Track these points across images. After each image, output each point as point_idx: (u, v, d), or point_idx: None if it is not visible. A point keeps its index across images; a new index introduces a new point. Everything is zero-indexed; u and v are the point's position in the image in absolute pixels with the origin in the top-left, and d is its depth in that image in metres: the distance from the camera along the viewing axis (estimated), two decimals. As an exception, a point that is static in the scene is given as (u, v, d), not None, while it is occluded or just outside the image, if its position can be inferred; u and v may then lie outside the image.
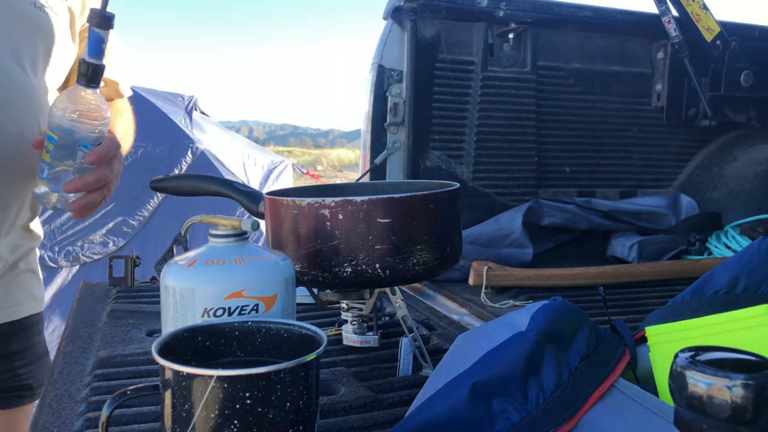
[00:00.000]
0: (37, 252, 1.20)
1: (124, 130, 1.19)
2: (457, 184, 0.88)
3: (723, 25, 1.73)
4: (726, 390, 0.34)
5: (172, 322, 0.69)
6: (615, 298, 1.33)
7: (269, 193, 0.89)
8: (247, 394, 0.49)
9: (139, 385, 0.54)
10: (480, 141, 1.65)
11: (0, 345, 1.10)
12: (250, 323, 0.61)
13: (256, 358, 0.60)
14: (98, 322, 1.09)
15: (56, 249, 3.75)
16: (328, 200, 0.80)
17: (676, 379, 0.35)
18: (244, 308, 0.68)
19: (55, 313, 3.54)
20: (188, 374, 0.50)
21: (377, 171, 1.56)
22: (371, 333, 0.95)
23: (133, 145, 1.25)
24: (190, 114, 4.42)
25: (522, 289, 1.35)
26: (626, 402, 0.59)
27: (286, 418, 0.51)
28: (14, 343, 1.13)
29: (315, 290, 0.93)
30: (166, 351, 0.54)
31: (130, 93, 1.27)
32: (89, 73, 0.92)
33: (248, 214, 0.95)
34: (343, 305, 0.95)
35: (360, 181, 1.53)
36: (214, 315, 0.67)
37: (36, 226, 1.16)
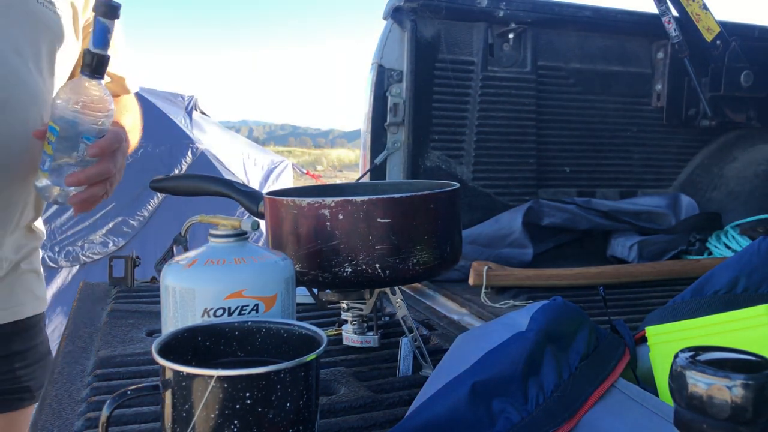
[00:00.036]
0: (40, 252, 1.20)
1: (131, 125, 1.17)
2: (457, 184, 0.88)
3: (723, 25, 1.73)
4: (726, 390, 0.34)
5: (172, 322, 0.69)
6: (615, 298, 1.33)
7: (269, 193, 0.89)
8: (247, 394, 0.49)
9: (139, 385, 0.54)
10: (480, 141, 1.65)
11: (2, 345, 1.10)
12: (250, 323, 0.61)
13: (256, 358, 0.60)
14: (98, 322, 1.09)
15: (56, 249, 3.75)
16: (328, 200, 0.80)
17: (676, 379, 0.35)
18: (244, 308, 0.68)
19: (55, 313, 3.54)
20: (188, 374, 0.50)
21: (377, 171, 1.56)
22: (371, 333, 0.95)
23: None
24: (190, 114, 4.42)
25: (522, 289, 1.35)
26: (626, 402, 0.59)
27: (286, 418, 0.51)
28: (16, 343, 1.12)
29: (315, 290, 0.93)
30: (166, 351, 0.54)
31: (137, 89, 1.25)
32: (94, 64, 0.90)
33: (248, 214, 0.95)
34: (343, 305, 0.95)
35: (360, 181, 1.53)
36: (214, 315, 0.67)
37: (39, 225, 1.16)
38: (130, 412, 0.74)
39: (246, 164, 4.66)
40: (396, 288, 0.92)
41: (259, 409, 0.50)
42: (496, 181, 1.68)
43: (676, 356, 0.36)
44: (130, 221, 3.92)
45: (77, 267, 3.82)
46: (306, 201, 0.81)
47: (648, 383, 0.67)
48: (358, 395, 0.78)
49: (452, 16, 1.59)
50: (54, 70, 1.04)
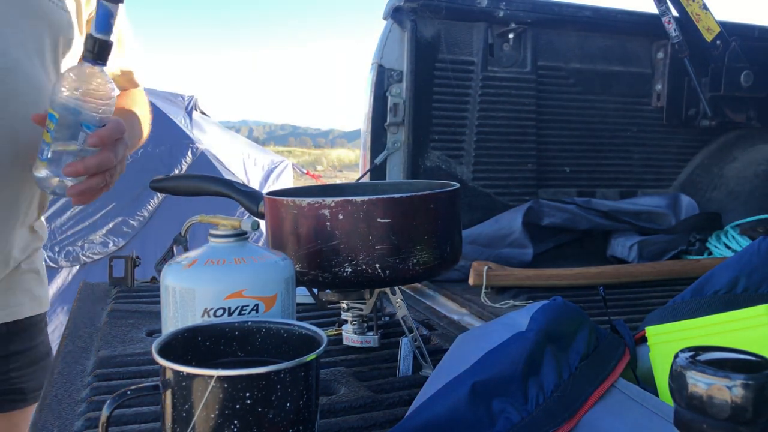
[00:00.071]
0: (43, 252, 1.18)
1: (143, 116, 1.15)
2: (457, 184, 0.88)
3: (723, 25, 1.73)
4: (726, 390, 0.34)
5: (172, 322, 0.69)
6: (615, 298, 1.33)
7: (269, 193, 0.89)
8: (247, 394, 0.49)
9: (139, 385, 0.54)
10: (480, 141, 1.65)
11: None
12: (250, 323, 0.61)
13: (256, 358, 0.60)
14: (98, 322, 1.09)
15: (56, 249, 3.75)
16: (328, 200, 0.80)
17: (676, 379, 0.35)
18: (244, 308, 0.68)
19: (55, 313, 3.54)
20: (188, 374, 0.50)
21: (377, 171, 1.56)
22: (371, 333, 0.95)
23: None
24: (190, 114, 4.42)
25: (522, 289, 1.35)
26: (626, 402, 0.59)
27: (286, 418, 0.51)
28: (14, 343, 1.11)
29: (315, 290, 0.93)
30: (166, 351, 0.54)
31: (145, 83, 1.24)
32: (96, 49, 0.87)
33: (248, 214, 0.95)
34: (343, 305, 0.95)
35: (360, 181, 1.53)
36: (214, 315, 0.67)
37: (42, 224, 1.15)
38: (130, 412, 0.74)
39: (246, 164, 4.66)
40: (396, 288, 0.92)
41: (259, 409, 0.50)
42: (496, 181, 1.68)
43: (676, 356, 0.36)
44: (130, 221, 3.92)
45: (77, 267, 3.82)
46: (306, 201, 0.81)
47: (648, 383, 0.67)
48: (358, 395, 0.78)
49: (452, 16, 1.59)
50: (59, 64, 1.03)
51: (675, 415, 0.36)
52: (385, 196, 0.80)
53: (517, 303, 1.28)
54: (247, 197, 0.98)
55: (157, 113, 4.37)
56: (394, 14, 1.54)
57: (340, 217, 0.79)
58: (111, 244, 3.88)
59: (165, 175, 1.09)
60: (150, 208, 3.93)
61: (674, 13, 1.69)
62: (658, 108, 1.81)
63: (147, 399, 0.71)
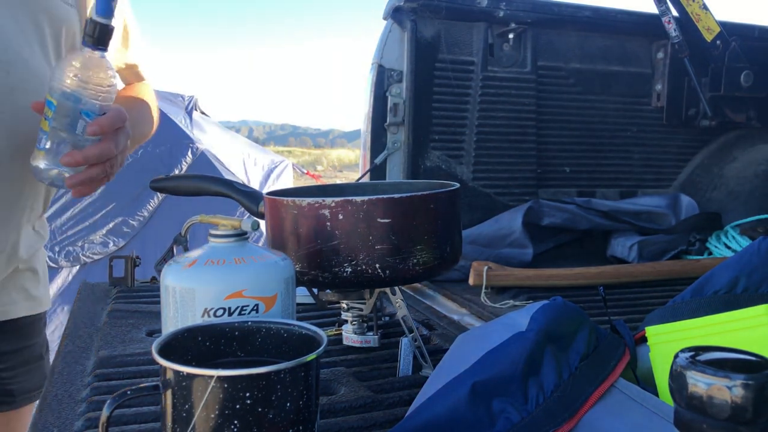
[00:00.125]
0: (44, 252, 1.17)
1: (149, 108, 1.13)
2: (457, 184, 0.88)
3: (723, 25, 1.73)
4: (726, 390, 0.34)
5: (172, 322, 0.69)
6: (615, 298, 1.33)
7: (269, 193, 0.89)
8: (247, 394, 0.49)
9: (139, 385, 0.54)
10: (480, 141, 1.65)
11: None
12: (250, 323, 0.61)
13: (256, 358, 0.60)
14: (98, 322, 1.09)
15: (56, 249, 3.75)
16: (328, 200, 0.80)
17: (676, 379, 0.35)
18: (244, 308, 0.68)
19: (55, 313, 3.55)
20: (188, 374, 0.50)
21: (377, 171, 1.56)
22: (371, 333, 0.95)
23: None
24: (190, 114, 4.42)
25: (522, 289, 1.35)
26: (626, 402, 0.59)
27: (286, 418, 0.51)
28: (7, 343, 1.09)
29: (315, 290, 0.93)
30: (166, 351, 0.54)
31: (151, 77, 1.22)
32: (96, 34, 0.83)
33: (248, 214, 0.95)
34: (343, 305, 0.95)
35: (360, 181, 1.53)
36: (214, 315, 0.67)
37: (43, 224, 1.13)
38: (130, 412, 0.74)
39: (246, 164, 4.66)
40: (396, 288, 0.92)
41: (259, 409, 0.50)
42: (496, 181, 1.68)
43: (676, 356, 0.36)
44: (130, 221, 3.92)
45: (77, 267, 3.82)
46: (306, 201, 0.81)
47: (648, 383, 0.67)
48: (358, 395, 0.78)
49: (452, 16, 1.59)
50: (62, 56, 1.01)
51: (675, 415, 0.36)
52: (385, 196, 0.80)
53: (517, 303, 1.28)
54: (247, 197, 0.98)
55: (157, 113, 4.35)
56: (394, 14, 1.54)
57: (340, 217, 0.79)
58: (111, 244, 3.88)
59: (165, 175, 1.09)
60: (150, 208, 3.94)
61: (674, 13, 1.69)
62: (658, 108, 1.81)
63: (147, 399, 0.71)
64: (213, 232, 0.71)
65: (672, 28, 1.68)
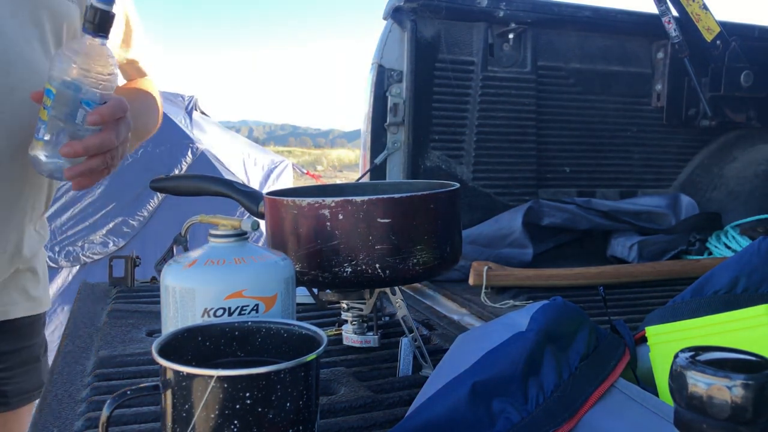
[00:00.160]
0: (44, 252, 1.17)
1: (153, 100, 1.11)
2: (457, 184, 0.88)
3: (723, 25, 1.73)
4: (726, 390, 0.34)
5: (172, 322, 0.69)
6: (615, 298, 1.33)
7: (269, 193, 0.89)
8: (247, 394, 0.49)
9: (139, 385, 0.54)
10: (480, 141, 1.65)
11: None
12: (250, 323, 0.61)
13: (256, 358, 0.60)
14: (98, 322, 1.09)
15: (56, 249, 3.75)
16: (328, 200, 0.80)
17: (676, 379, 0.35)
18: (244, 308, 0.68)
19: (55, 313, 3.55)
20: (188, 374, 0.50)
21: (377, 171, 1.56)
22: (371, 333, 0.95)
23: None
24: (190, 114, 4.43)
25: (522, 289, 1.35)
26: (626, 402, 0.59)
27: (286, 418, 0.51)
28: (3, 343, 1.08)
29: (315, 290, 0.93)
30: (166, 351, 0.54)
31: (153, 72, 1.21)
32: (97, 20, 0.81)
33: (248, 214, 0.95)
34: (343, 305, 0.95)
35: (360, 181, 1.53)
36: (214, 315, 0.67)
37: (44, 224, 1.13)
38: (130, 412, 0.74)
39: (246, 164, 4.66)
40: (396, 288, 0.92)
41: (259, 409, 0.50)
42: (496, 181, 1.68)
43: (676, 356, 0.36)
44: (130, 221, 3.92)
45: (77, 267, 3.82)
46: (306, 201, 0.81)
47: (648, 383, 0.67)
48: (358, 395, 0.78)
49: (452, 16, 1.59)
50: None
51: (675, 415, 0.36)
52: (385, 196, 0.80)
53: (517, 303, 1.28)
54: (247, 197, 0.98)
55: (157, 113, 4.35)
56: (394, 14, 1.54)
57: (340, 217, 0.79)
58: (111, 244, 3.89)
59: (165, 175, 1.09)
60: (150, 208, 3.94)
61: (674, 13, 1.69)
62: (658, 108, 1.81)
63: (147, 399, 0.71)
64: (213, 232, 0.71)
65: (672, 28, 1.68)
